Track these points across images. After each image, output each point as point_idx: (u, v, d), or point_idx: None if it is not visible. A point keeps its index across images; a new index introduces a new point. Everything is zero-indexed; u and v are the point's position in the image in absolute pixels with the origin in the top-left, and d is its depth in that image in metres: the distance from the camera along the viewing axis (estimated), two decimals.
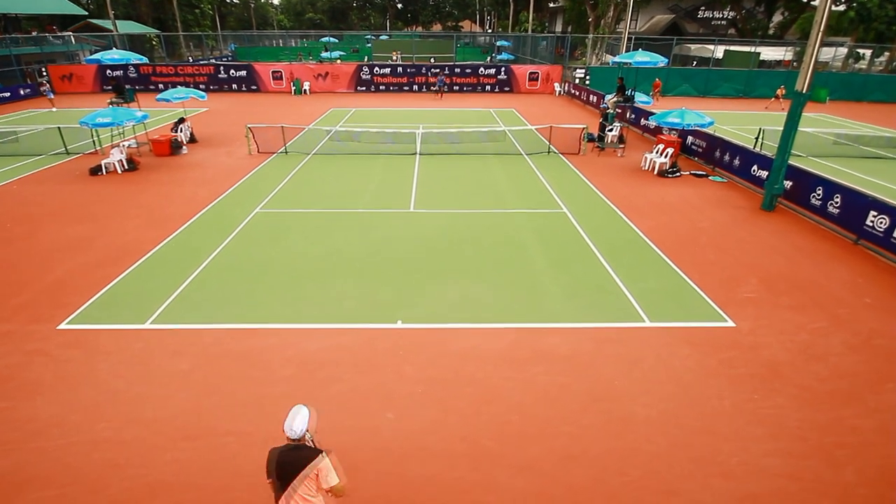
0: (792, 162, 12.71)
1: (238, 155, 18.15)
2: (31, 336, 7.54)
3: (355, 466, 5.33)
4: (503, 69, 35.66)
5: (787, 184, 12.96)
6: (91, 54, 27.73)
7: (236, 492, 5.05)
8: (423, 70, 35.63)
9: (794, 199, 12.99)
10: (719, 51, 40.45)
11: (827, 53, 38.43)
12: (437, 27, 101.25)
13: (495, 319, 7.98)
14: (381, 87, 35.64)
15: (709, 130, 16.82)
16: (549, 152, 18.53)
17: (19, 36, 38.63)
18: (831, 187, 11.86)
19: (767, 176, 13.23)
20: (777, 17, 50.35)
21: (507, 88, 35.62)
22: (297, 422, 3.75)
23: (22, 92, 31.70)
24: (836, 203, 11.60)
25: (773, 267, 9.85)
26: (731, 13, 53.53)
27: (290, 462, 3.72)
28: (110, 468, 5.30)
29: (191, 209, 12.69)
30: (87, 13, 51.40)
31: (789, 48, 42.23)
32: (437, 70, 35.08)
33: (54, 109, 27.85)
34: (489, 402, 6.26)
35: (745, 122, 24.35)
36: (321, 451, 3.76)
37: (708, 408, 6.15)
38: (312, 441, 3.88)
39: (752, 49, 36.35)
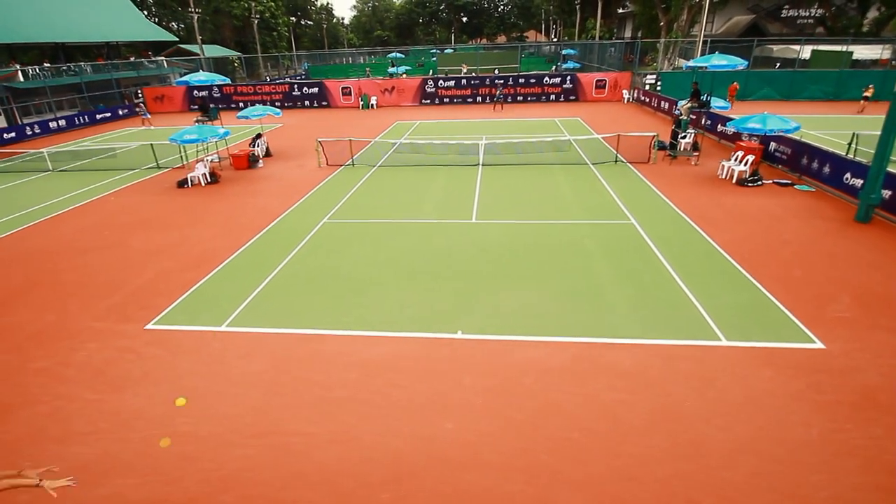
0: (891, 169, 11.58)
1: (309, 167, 18.99)
2: (121, 334, 8.21)
3: (411, 474, 5.36)
4: (568, 77, 35.13)
5: (886, 193, 11.80)
6: (181, 77, 30.16)
7: (299, 490, 5.21)
8: (487, 82, 35.80)
9: (893, 209, 11.79)
10: (805, 51, 37.72)
11: None
12: (501, 39, 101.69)
13: (557, 332, 7.79)
14: (445, 100, 36.15)
15: (794, 136, 15.68)
16: (616, 161, 17.99)
17: (119, 62, 42.69)
18: None
19: (862, 185, 12.12)
20: (872, 13, 46.32)
21: (572, 97, 35.04)
22: None
23: (120, 112, 35.02)
24: None
25: (868, 284, 8.97)
26: (820, 11, 49.87)
27: None
28: (187, 461, 5.63)
29: (265, 219, 13.39)
30: (177, 39, 56.07)
31: (887, 46, 38.68)
32: (501, 81, 35.11)
33: (152, 127, 30.45)
34: (549, 416, 6.09)
35: (836, 127, 22.49)
36: None
37: (792, 435, 5.66)
38: None
39: (844, 48, 33.62)
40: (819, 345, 7.27)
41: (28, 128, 28.50)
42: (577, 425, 5.92)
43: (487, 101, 35.61)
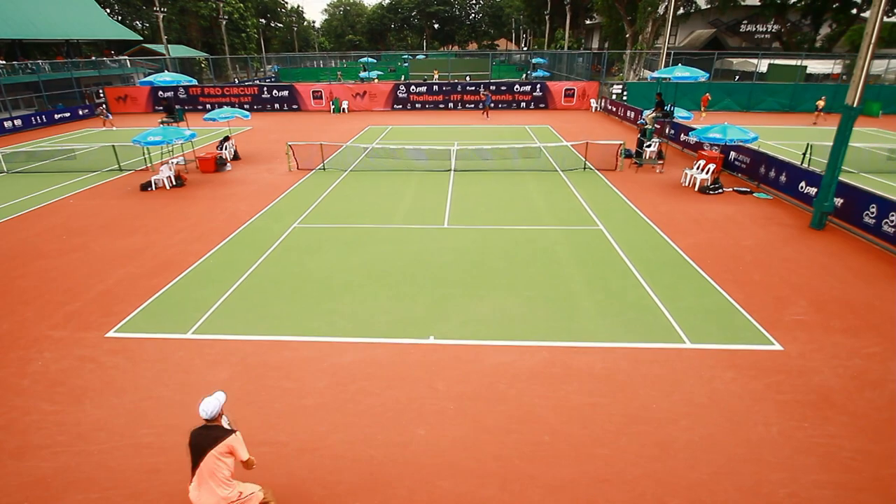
0: (843, 178, 12.17)
1: (279, 171, 18.71)
2: (81, 343, 7.89)
3: (384, 481, 5.32)
4: (538, 86, 35.69)
5: (838, 201, 12.40)
6: (145, 77, 29.32)
7: None
8: (459, 88, 36.04)
9: (845, 217, 12.40)
10: (763, 65, 39.37)
11: (879, 66, 36.85)
12: (472, 46, 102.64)
13: (528, 337, 7.88)
14: (417, 105, 36.22)
15: (753, 146, 16.33)
16: (584, 169, 18.35)
17: (80, 60, 41.21)
18: (886, 204, 11.26)
19: (816, 193, 12.70)
20: (824, 30, 48.73)
21: (542, 105, 35.60)
22: (209, 405, 4.25)
23: (81, 112, 33.76)
24: (892, 221, 11.00)
25: (823, 288, 9.39)
26: (776, 26, 52.17)
27: (202, 440, 4.20)
28: (151, 473, 5.45)
29: (233, 224, 13.11)
30: (142, 38, 54.52)
31: (838, 61, 40.73)
32: (483, 89, 35.13)
33: (114, 128, 29.43)
34: (521, 420, 6.15)
35: (792, 137, 23.53)
36: (234, 431, 4.30)
37: (754, 434, 5.86)
38: (228, 423, 4.45)
39: (798, 62, 35.25)
40: (778, 347, 7.56)
41: None
42: (550, 429, 6.00)
43: (460, 107, 35.85)
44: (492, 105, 34.08)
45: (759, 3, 49.29)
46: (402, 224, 12.95)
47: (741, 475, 5.32)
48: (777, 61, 40.47)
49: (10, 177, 18.66)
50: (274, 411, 6.35)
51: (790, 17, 50.17)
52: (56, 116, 31.94)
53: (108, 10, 58.31)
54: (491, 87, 35.49)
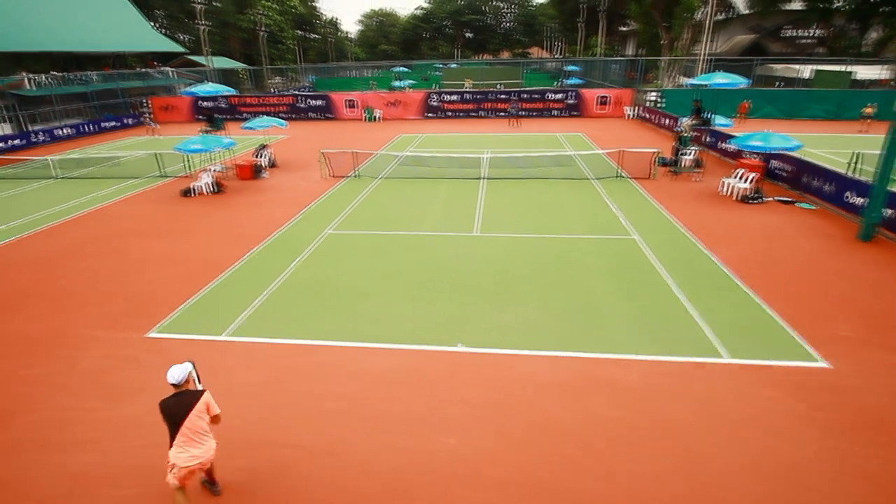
0: (893, 189, 11.59)
1: (313, 179, 19.07)
2: (121, 342, 8.18)
3: (406, 489, 5.29)
4: (571, 93, 35.37)
5: (888, 212, 11.80)
6: (187, 87, 30.41)
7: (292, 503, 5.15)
8: (490, 96, 36.06)
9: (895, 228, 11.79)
10: (806, 70, 38.04)
11: None
12: (505, 54, 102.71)
13: (557, 347, 7.74)
14: (448, 114, 36.41)
15: (796, 154, 15.73)
16: (618, 177, 18.04)
17: (126, 71, 43.11)
18: None
19: (864, 203, 12.12)
20: (873, 34, 46.78)
21: (575, 113, 35.25)
22: (177, 371, 4.65)
23: (128, 121, 35.31)
24: None
25: (872, 302, 8.92)
26: (820, 31, 50.39)
27: (179, 406, 4.59)
28: None
29: (268, 229, 13.42)
30: (186, 50, 56.69)
31: (887, 66, 38.99)
32: (511, 97, 35.05)
33: (160, 137, 30.62)
34: (546, 432, 6.03)
35: (839, 146, 22.56)
36: (204, 390, 4.76)
37: (794, 456, 5.59)
38: (198, 384, 4.97)
39: (845, 68, 33.89)
40: (821, 363, 7.21)
41: (34, 135, 28.74)
42: (576, 441, 5.86)
43: (491, 115, 35.86)
44: (522, 113, 33.91)
45: (801, 8, 47.76)
46: (433, 231, 12.99)
47: (778, 496, 5.06)
48: (823, 67, 39.03)
49: (60, 182, 19.61)
50: (300, 415, 6.42)
51: (835, 22, 48.38)
52: (104, 125, 33.51)
53: (154, 24, 60.91)
54: (523, 96, 35.33)
